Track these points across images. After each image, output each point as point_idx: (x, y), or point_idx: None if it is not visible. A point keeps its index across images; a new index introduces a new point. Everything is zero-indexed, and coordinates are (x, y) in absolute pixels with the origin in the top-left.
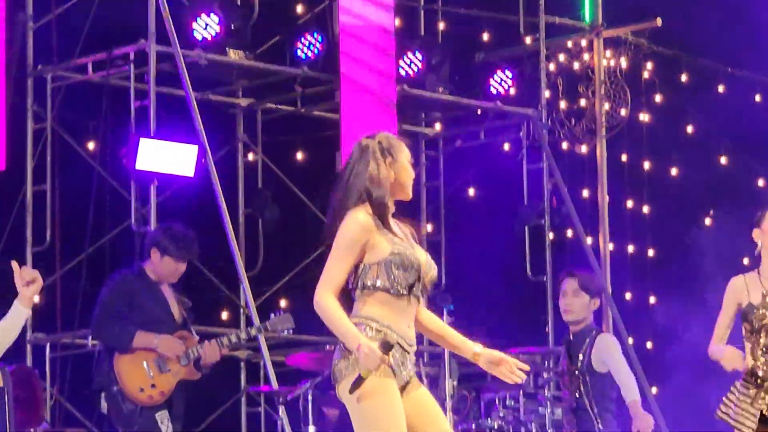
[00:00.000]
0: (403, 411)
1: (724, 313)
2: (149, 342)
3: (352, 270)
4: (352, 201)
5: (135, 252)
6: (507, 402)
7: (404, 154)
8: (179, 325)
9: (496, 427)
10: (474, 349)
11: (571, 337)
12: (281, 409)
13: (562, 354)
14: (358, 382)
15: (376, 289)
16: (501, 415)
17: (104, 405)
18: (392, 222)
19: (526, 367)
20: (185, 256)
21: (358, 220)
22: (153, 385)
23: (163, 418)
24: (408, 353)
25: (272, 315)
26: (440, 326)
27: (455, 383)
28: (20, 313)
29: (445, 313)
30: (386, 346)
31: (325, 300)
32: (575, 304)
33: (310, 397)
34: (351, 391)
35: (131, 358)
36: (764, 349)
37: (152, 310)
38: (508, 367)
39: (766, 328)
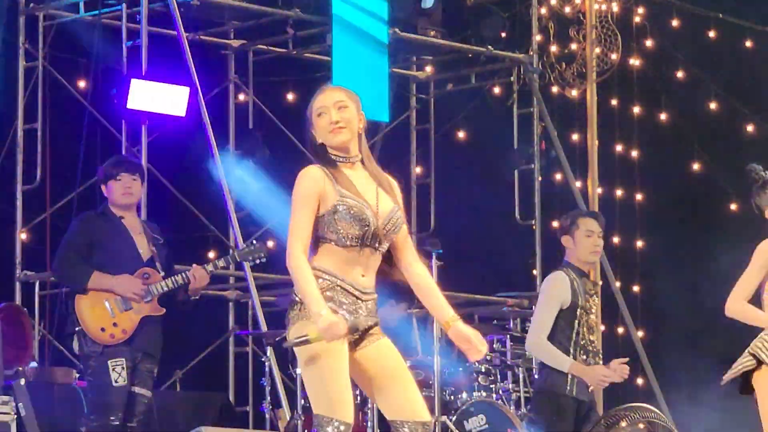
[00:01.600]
0: (346, 357)
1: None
2: (105, 283)
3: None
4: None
5: None
6: (494, 345)
7: (313, 108)
8: (145, 262)
9: (483, 370)
10: (447, 318)
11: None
12: (269, 350)
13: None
14: (305, 341)
15: (325, 240)
16: (488, 358)
17: (76, 344)
18: (351, 172)
19: (485, 348)
20: (123, 170)
21: (306, 174)
22: (115, 324)
23: (116, 365)
24: (362, 300)
25: (239, 246)
26: (427, 285)
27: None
28: None
29: (434, 256)
30: (353, 330)
31: (296, 260)
32: (601, 246)
33: None
34: (293, 345)
35: (92, 298)
36: None
37: (116, 248)
38: (472, 347)
39: None
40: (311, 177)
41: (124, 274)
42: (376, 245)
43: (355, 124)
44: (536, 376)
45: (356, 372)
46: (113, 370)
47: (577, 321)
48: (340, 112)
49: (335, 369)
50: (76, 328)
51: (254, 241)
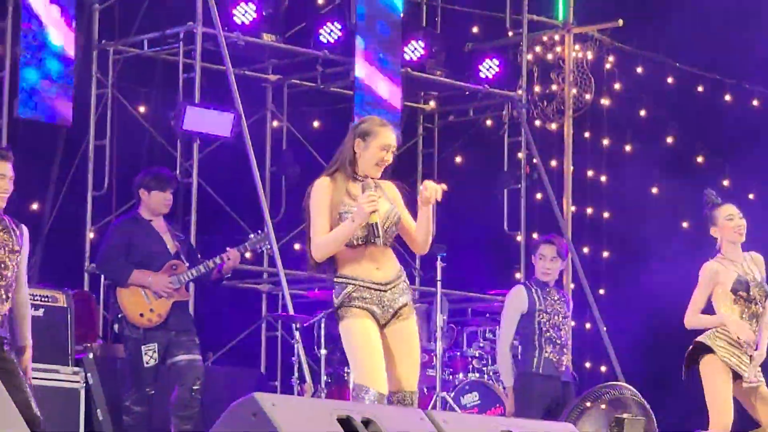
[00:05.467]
0: (377, 338)
1: (703, 291)
2: (143, 280)
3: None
4: (330, 168)
5: (179, 198)
6: (486, 334)
7: (377, 141)
8: (173, 256)
9: (476, 354)
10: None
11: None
12: (297, 334)
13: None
14: (375, 229)
15: None
16: (481, 345)
17: (116, 327)
18: (353, 187)
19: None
20: (167, 185)
21: (319, 186)
22: (151, 309)
23: (148, 350)
24: (382, 292)
25: (251, 236)
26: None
27: (445, 317)
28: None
29: (438, 258)
30: (364, 187)
31: (317, 243)
32: (554, 268)
33: (323, 325)
34: (375, 237)
35: (131, 289)
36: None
37: (148, 246)
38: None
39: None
40: (323, 188)
41: (158, 271)
42: (379, 242)
43: None
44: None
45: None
46: (145, 353)
47: (537, 322)
48: (390, 155)
49: (371, 346)
50: (119, 315)
51: (260, 231)
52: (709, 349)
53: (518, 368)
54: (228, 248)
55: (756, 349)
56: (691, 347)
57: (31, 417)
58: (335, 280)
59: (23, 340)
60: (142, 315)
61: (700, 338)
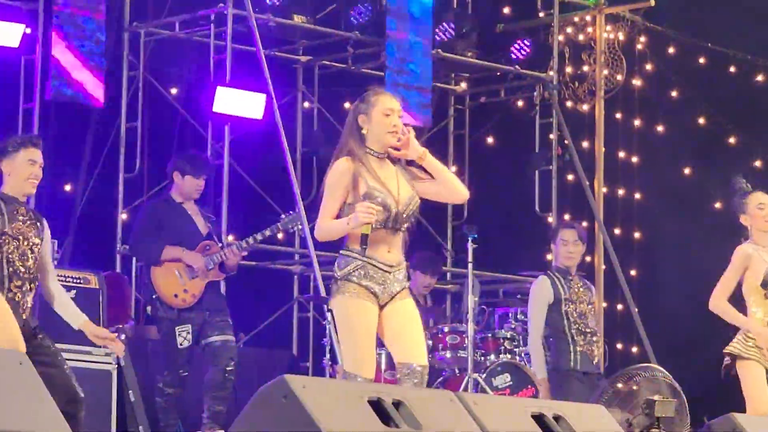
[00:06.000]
0: (374, 323)
1: (733, 275)
2: (176, 254)
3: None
4: (342, 151)
5: (210, 180)
6: (518, 316)
7: (378, 108)
8: (204, 237)
9: (508, 336)
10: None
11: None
12: (329, 315)
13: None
14: (364, 239)
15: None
16: (512, 326)
17: (149, 309)
18: (378, 165)
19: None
20: (201, 172)
21: (337, 168)
22: (185, 290)
23: (182, 331)
24: (389, 273)
25: (282, 216)
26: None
27: (476, 299)
28: (77, 320)
29: (469, 239)
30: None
31: (320, 225)
32: (576, 251)
33: None
34: (362, 245)
35: (165, 269)
36: None
37: (180, 227)
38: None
39: None
40: (341, 171)
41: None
42: (398, 227)
43: None
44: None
45: (381, 328)
46: (179, 335)
47: (564, 311)
48: (398, 119)
49: (364, 333)
50: (153, 296)
51: (291, 212)
52: (743, 357)
53: (553, 363)
54: (228, 248)
55: None
56: (726, 360)
57: (74, 397)
58: (343, 252)
59: (78, 319)
60: (176, 295)
61: (732, 350)
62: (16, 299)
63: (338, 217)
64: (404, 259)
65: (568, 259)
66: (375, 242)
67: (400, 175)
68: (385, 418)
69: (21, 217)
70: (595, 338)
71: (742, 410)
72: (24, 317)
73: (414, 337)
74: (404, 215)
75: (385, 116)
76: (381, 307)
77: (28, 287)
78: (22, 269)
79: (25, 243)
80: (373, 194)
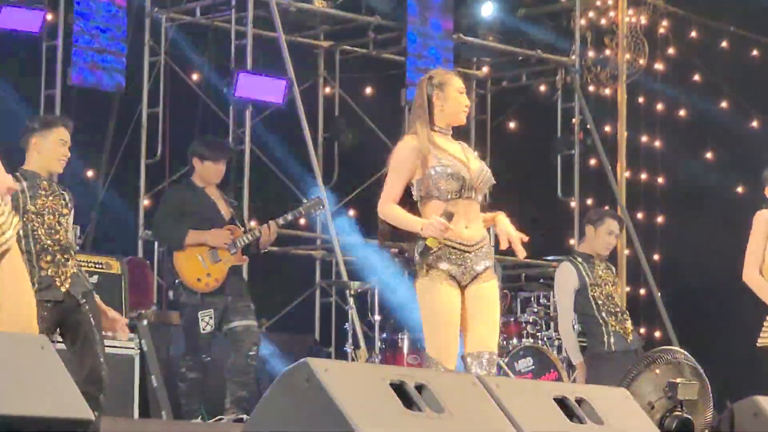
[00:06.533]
0: (458, 308)
1: (761, 241)
2: (200, 238)
3: (413, 185)
4: (410, 129)
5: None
6: (540, 300)
7: (452, 86)
8: (228, 221)
9: (531, 320)
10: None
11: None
12: (351, 300)
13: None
14: (425, 251)
15: (430, 198)
16: (535, 310)
17: (171, 294)
18: (444, 141)
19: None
20: (220, 156)
21: (404, 145)
22: (208, 274)
23: (204, 316)
24: (467, 253)
25: (304, 201)
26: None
27: (499, 283)
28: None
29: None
30: (449, 216)
31: (386, 208)
32: (614, 243)
33: (376, 291)
34: (420, 257)
35: (187, 253)
36: None
37: (203, 212)
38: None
39: None
40: (408, 148)
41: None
42: (472, 195)
43: None
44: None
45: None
46: (202, 320)
47: (591, 296)
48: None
49: (446, 320)
50: (175, 281)
51: (313, 197)
52: None
53: (589, 348)
54: (265, 224)
55: None
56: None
57: (98, 378)
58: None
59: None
60: (199, 280)
61: (764, 344)
62: (50, 274)
63: (419, 194)
64: (487, 235)
65: (606, 248)
66: (453, 217)
67: (466, 149)
68: (408, 401)
69: (43, 192)
70: (625, 316)
71: (766, 394)
72: (64, 289)
73: (487, 324)
74: (479, 182)
75: (461, 94)
76: (464, 288)
77: (63, 258)
78: (50, 243)
79: (51, 217)
80: (444, 164)
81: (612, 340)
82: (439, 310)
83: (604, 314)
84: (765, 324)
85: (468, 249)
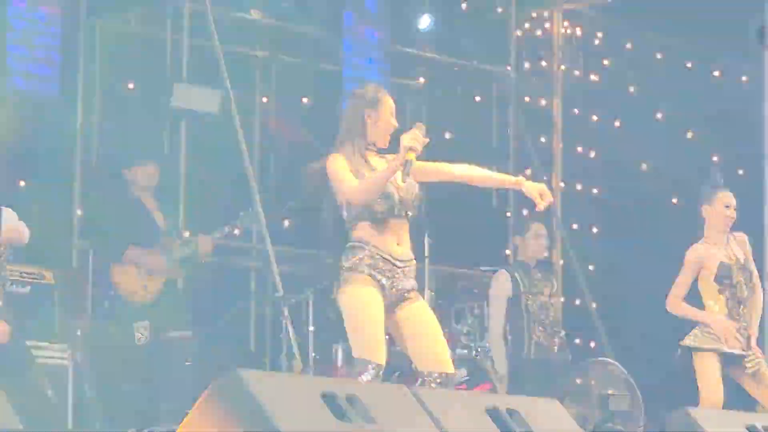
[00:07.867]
0: (381, 310)
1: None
2: (138, 258)
3: (342, 206)
4: (341, 146)
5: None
6: (474, 311)
7: (386, 108)
8: (164, 232)
9: (465, 331)
10: (517, 179)
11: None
12: (285, 311)
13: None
14: (408, 164)
15: (361, 218)
16: (469, 321)
17: (106, 305)
18: (374, 158)
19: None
20: (145, 161)
21: (332, 157)
22: (144, 286)
23: (139, 327)
24: (397, 267)
25: (241, 213)
26: (478, 173)
27: (433, 293)
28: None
29: (426, 234)
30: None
31: (355, 188)
32: (546, 245)
33: (311, 302)
34: (406, 173)
35: (123, 265)
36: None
37: (140, 223)
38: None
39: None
40: (341, 159)
41: (149, 248)
42: (403, 214)
43: None
44: None
45: (393, 330)
46: (137, 330)
47: (524, 305)
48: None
49: (370, 319)
50: (110, 292)
51: (250, 209)
52: (699, 349)
53: (509, 355)
54: (200, 235)
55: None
56: (679, 352)
57: None
58: (350, 244)
59: None
60: (135, 292)
61: (689, 343)
62: None
63: (348, 214)
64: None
65: (540, 252)
66: (382, 233)
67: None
68: (339, 412)
69: None
70: (556, 329)
71: (695, 401)
72: None
73: (435, 342)
74: (409, 200)
75: (391, 116)
76: (391, 306)
77: None
78: None
79: None
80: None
81: (532, 348)
82: (361, 308)
83: (532, 324)
84: (695, 330)
85: (398, 264)
